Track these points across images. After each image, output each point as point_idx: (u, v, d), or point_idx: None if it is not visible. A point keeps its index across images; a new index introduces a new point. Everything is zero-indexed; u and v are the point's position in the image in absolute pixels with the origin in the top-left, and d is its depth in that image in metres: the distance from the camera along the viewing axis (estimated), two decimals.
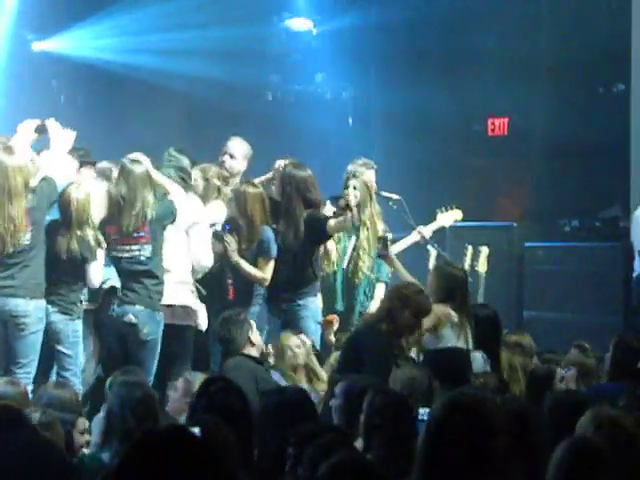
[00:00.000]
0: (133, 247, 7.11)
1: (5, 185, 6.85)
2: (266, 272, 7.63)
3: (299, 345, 6.99)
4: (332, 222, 7.72)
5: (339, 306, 8.22)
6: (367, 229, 8.11)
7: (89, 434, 5.27)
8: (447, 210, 8.71)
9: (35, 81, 11.99)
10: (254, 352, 6.85)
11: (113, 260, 7.20)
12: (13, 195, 6.85)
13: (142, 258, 7.12)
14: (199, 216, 7.49)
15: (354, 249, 8.17)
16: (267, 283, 7.65)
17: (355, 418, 4.55)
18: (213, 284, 7.62)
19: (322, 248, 8.07)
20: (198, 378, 5.87)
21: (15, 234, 6.80)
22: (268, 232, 7.67)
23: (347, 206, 7.65)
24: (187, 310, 7.33)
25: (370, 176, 8.37)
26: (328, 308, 8.10)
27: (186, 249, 7.43)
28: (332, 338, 7.44)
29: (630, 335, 6.62)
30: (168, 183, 7.35)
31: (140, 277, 7.10)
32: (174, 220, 7.25)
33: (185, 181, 7.55)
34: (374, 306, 7.85)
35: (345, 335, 6.89)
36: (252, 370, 6.48)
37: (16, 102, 11.38)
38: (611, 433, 3.75)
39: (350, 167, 8.45)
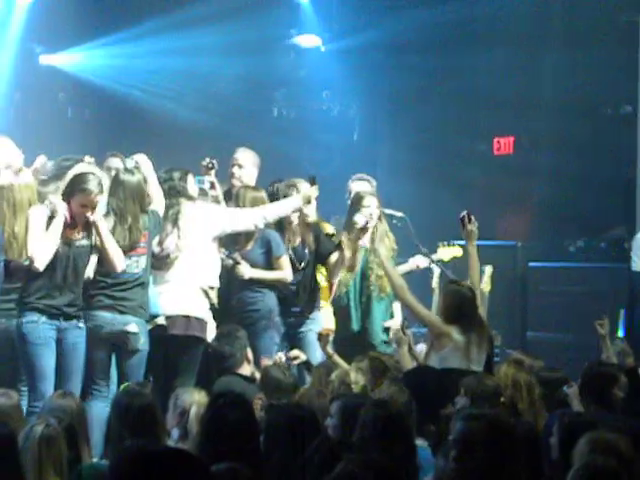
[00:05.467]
0: (131, 259, 7.09)
1: (11, 200, 6.90)
2: (284, 270, 7.67)
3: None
4: (332, 259, 7.88)
5: (355, 326, 8.22)
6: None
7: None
8: (449, 245, 8.70)
9: (42, 94, 12.02)
10: (247, 370, 6.83)
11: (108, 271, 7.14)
12: (18, 210, 6.87)
13: (137, 270, 7.12)
14: (226, 225, 7.51)
15: (367, 269, 8.16)
16: (289, 279, 7.68)
17: (351, 436, 4.54)
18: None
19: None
20: (188, 391, 5.85)
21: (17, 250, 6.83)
22: (272, 232, 7.72)
23: (365, 227, 7.76)
24: (202, 322, 7.31)
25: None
26: (342, 329, 8.10)
27: (211, 258, 7.43)
28: (329, 350, 7.41)
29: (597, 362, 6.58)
30: (158, 192, 7.34)
31: (135, 288, 7.10)
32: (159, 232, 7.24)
33: (205, 193, 7.62)
34: (394, 324, 7.90)
35: (363, 356, 6.77)
36: (244, 389, 6.42)
37: (23, 114, 11.43)
38: (606, 456, 3.74)
39: (355, 184, 8.46)
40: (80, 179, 6.78)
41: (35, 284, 6.70)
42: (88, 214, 6.74)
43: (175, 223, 7.32)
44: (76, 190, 6.72)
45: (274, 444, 4.39)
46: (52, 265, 6.70)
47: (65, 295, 6.76)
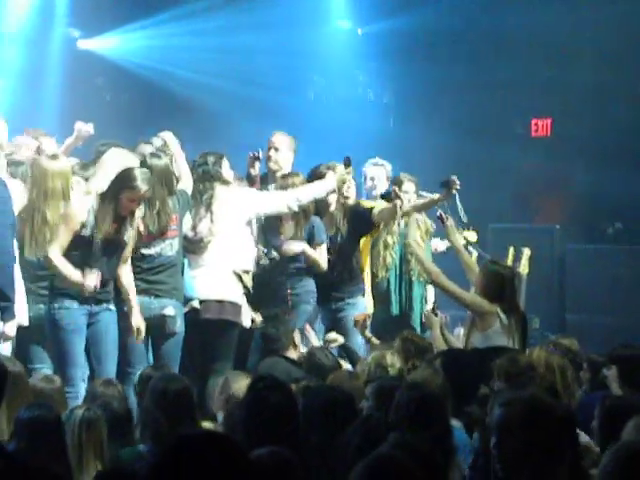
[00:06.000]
0: (165, 242, 7.12)
1: (43, 188, 6.92)
2: (322, 257, 7.67)
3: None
4: (376, 211, 7.77)
5: (394, 310, 8.22)
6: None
7: None
8: (466, 229, 8.63)
9: (80, 79, 12.08)
10: (294, 354, 6.83)
11: (143, 254, 7.17)
12: (50, 198, 6.90)
13: (171, 252, 7.15)
14: (259, 208, 7.53)
15: (407, 253, 8.14)
16: (321, 268, 7.67)
17: (387, 418, 4.53)
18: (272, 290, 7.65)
19: (377, 253, 8.09)
20: (238, 376, 5.85)
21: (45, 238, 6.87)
22: (316, 219, 7.72)
23: (397, 196, 7.66)
24: (236, 307, 7.32)
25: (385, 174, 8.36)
26: (382, 312, 8.10)
27: (245, 242, 7.45)
28: (368, 334, 7.41)
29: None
30: (186, 170, 7.37)
31: (169, 270, 7.13)
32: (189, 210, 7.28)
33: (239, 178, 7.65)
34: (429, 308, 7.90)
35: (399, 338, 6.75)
36: (287, 371, 6.44)
37: (61, 99, 11.49)
38: None
39: (370, 169, 8.42)
40: (129, 175, 6.74)
41: None
42: (135, 207, 6.75)
43: (209, 207, 7.34)
44: (125, 187, 6.71)
45: (311, 427, 4.40)
46: (83, 256, 6.72)
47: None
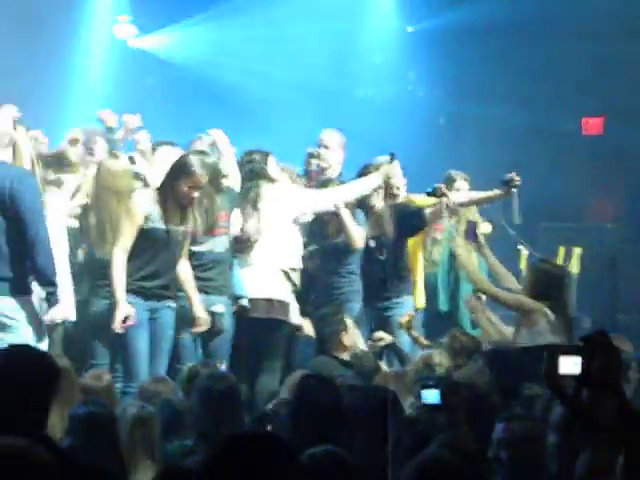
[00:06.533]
0: (214, 239, 7.17)
1: (108, 187, 7.04)
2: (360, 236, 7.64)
3: None
4: (428, 210, 7.73)
5: (442, 306, 8.19)
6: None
7: None
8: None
9: (130, 78, 12.16)
10: (345, 354, 6.82)
11: (193, 251, 7.21)
12: (114, 197, 6.99)
13: (221, 250, 7.19)
14: (305, 206, 7.54)
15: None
16: (356, 245, 7.60)
17: None
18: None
19: (424, 249, 8.07)
20: (294, 376, 5.87)
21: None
22: (355, 212, 7.71)
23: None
24: (284, 305, 7.33)
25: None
26: (430, 308, 8.07)
27: (292, 240, 7.47)
28: (415, 333, 7.38)
29: None
30: (233, 168, 7.40)
31: (219, 267, 7.17)
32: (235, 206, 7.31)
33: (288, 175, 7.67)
34: None
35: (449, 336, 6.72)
36: (335, 371, 6.41)
37: (111, 98, 11.55)
38: None
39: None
40: (185, 162, 6.82)
41: (131, 267, 6.79)
42: (195, 194, 6.80)
43: (255, 206, 7.36)
44: (182, 174, 6.76)
45: (357, 427, 4.40)
46: (148, 249, 6.79)
47: (160, 278, 6.83)
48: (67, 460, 3.38)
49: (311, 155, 8.14)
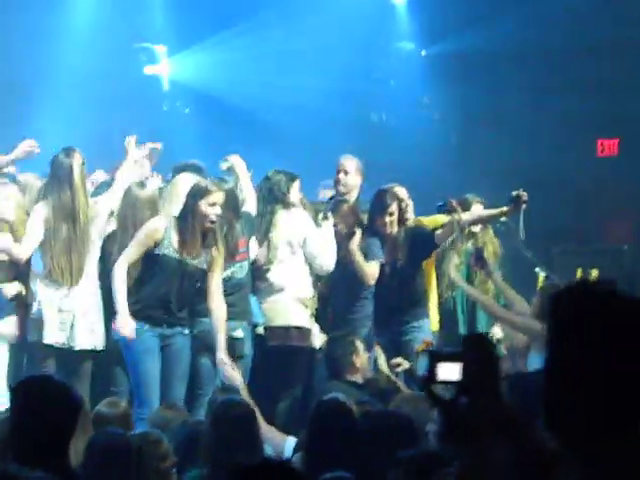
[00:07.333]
0: (234, 265, 7.17)
1: (136, 217, 7.06)
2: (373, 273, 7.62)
3: None
4: (438, 231, 7.72)
5: (461, 330, 8.16)
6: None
7: None
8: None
9: (146, 105, 12.18)
10: (357, 377, 6.80)
11: None
12: (139, 225, 7.00)
13: (241, 275, 7.18)
14: (306, 230, 7.50)
15: (473, 272, 8.08)
16: (370, 282, 7.60)
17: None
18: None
19: (442, 272, 8.05)
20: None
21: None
22: (374, 241, 7.70)
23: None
24: (302, 331, 7.33)
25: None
26: (448, 333, 8.03)
27: (302, 264, 7.44)
28: None
29: None
30: (251, 193, 7.38)
31: (239, 293, 7.16)
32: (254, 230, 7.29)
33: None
34: (497, 330, 7.81)
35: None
36: (347, 394, 6.33)
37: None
38: None
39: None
40: (198, 185, 6.87)
41: (141, 292, 6.79)
42: (216, 212, 6.78)
43: (266, 234, 7.36)
44: (199, 195, 6.79)
45: (371, 451, 4.37)
46: (157, 275, 6.78)
47: (171, 307, 6.83)
48: None
49: (330, 184, 8.21)
